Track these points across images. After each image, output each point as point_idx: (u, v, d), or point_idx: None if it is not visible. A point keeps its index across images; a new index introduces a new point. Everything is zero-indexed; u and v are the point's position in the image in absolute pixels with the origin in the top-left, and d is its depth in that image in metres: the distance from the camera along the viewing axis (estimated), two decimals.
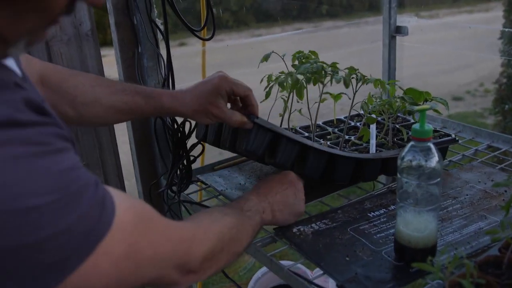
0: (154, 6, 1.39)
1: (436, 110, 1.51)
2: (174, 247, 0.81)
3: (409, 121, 1.67)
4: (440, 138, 1.55)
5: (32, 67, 1.07)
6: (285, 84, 1.33)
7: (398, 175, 1.05)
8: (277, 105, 1.46)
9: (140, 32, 1.39)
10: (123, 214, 0.69)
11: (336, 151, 1.33)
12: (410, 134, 1.03)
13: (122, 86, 1.22)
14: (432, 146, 1.02)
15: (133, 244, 0.71)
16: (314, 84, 1.36)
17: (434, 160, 1.01)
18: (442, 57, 5.33)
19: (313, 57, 1.41)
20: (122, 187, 1.57)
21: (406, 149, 1.04)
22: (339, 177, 1.33)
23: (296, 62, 1.43)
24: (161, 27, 1.39)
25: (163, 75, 1.34)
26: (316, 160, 1.29)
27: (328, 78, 1.34)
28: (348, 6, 7.97)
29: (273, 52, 1.41)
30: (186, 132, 1.32)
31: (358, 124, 1.65)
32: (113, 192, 0.71)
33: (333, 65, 1.37)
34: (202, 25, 1.45)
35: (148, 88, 1.23)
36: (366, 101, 1.47)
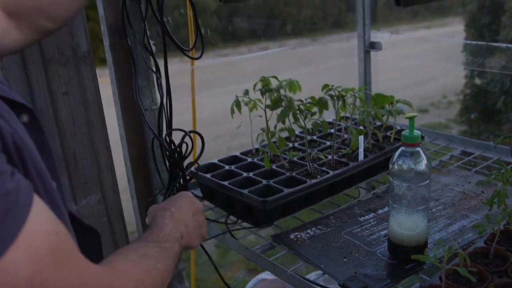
0: (147, 28, 1.45)
1: (398, 113, 1.65)
2: None
3: (379, 124, 1.79)
4: None
5: None
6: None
7: (390, 178, 1.14)
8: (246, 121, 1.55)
9: (134, 53, 1.44)
10: (38, 234, 0.63)
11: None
12: (401, 140, 1.12)
13: None
14: (421, 150, 1.11)
15: (40, 273, 0.63)
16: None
17: (423, 163, 1.10)
18: (407, 72, 5.52)
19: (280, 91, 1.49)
20: (118, 204, 1.61)
21: (396, 154, 1.13)
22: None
23: (260, 86, 1.52)
24: (154, 47, 1.45)
25: (160, 94, 1.39)
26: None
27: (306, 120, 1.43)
28: (311, 24, 8.15)
29: None
30: (184, 153, 1.36)
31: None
32: (39, 206, 0.65)
33: (308, 107, 1.45)
34: (190, 46, 1.51)
35: None
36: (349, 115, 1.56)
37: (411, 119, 1.10)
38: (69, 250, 0.70)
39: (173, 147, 1.36)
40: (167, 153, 1.38)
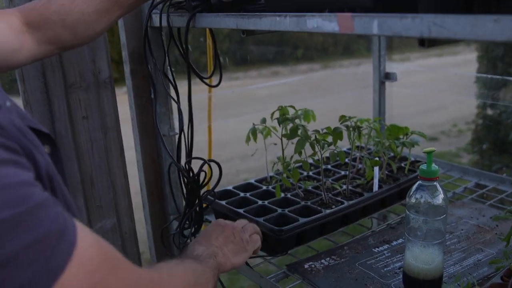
0: (167, 56, 1.47)
1: (412, 145, 1.66)
2: None
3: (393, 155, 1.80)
4: None
5: (12, 20, 1.10)
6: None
7: (407, 211, 1.14)
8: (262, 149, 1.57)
9: (154, 79, 1.47)
10: (86, 248, 0.62)
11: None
12: (418, 174, 1.13)
13: None
14: (438, 185, 1.12)
15: (99, 283, 0.63)
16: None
17: (440, 198, 1.11)
18: (417, 98, 5.53)
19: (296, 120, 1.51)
20: (133, 229, 1.62)
21: (414, 187, 1.13)
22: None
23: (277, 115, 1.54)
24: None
25: (180, 121, 1.41)
26: None
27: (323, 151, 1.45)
28: (322, 49, 8.20)
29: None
30: (202, 181, 1.38)
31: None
32: (77, 223, 0.64)
33: (323, 136, 1.47)
34: (209, 74, 1.54)
35: None
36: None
37: (429, 153, 1.11)
38: (116, 254, 0.71)
39: (191, 174, 1.37)
40: (185, 180, 1.40)
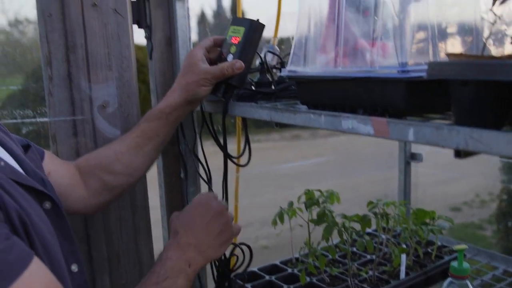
0: (200, 139, 1.50)
1: (440, 231, 1.64)
2: None
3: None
4: None
5: (69, 165, 1.27)
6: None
7: None
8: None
9: (185, 159, 1.50)
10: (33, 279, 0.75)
11: None
12: (449, 271, 1.12)
13: (130, 130, 1.34)
14: (469, 283, 1.10)
15: None
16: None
17: None
18: (439, 168, 5.50)
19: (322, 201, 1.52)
20: None
21: (444, 285, 1.12)
22: None
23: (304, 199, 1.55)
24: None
25: None
26: None
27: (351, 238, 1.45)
28: None
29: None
30: (232, 266, 1.38)
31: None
32: (36, 260, 0.78)
33: (349, 219, 1.47)
34: (239, 153, 1.56)
35: (146, 114, 1.33)
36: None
37: (461, 251, 1.10)
38: None
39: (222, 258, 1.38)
40: (216, 263, 1.40)
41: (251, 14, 1.74)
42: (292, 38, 1.18)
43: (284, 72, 1.17)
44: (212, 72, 1.23)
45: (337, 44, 1.10)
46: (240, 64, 1.24)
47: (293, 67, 1.16)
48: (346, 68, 1.05)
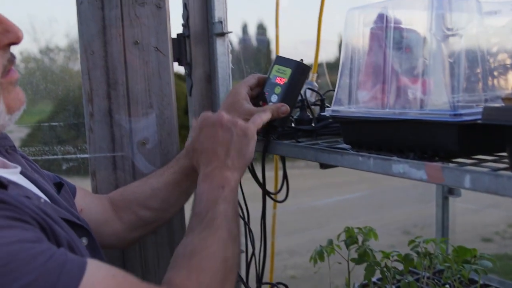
0: None
1: (484, 272, 1.59)
2: None
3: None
4: None
5: (102, 198, 1.29)
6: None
7: None
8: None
9: None
10: (97, 279, 0.76)
11: None
12: None
13: (166, 165, 1.32)
14: None
15: None
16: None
17: None
18: (468, 195, 5.39)
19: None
20: None
21: None
22: None
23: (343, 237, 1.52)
24: None
25: (251, 244, 1.39)
26: None
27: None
28: None
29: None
30: None
31: None
32: (91, 260, 0.78)
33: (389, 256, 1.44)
34: (277, 189, 1.55)
35: (184, 149, 1.31)
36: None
37: None
38: (131, 284, 0.83)
39: None
40: None
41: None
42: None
43: (328, 112, 1.15)
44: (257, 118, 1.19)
45: (384, 82, 1.08)
46: (285, 108, 1.21)
47: (336, 107, 1.15)
48: (394, 109, 1.03)
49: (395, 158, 0.95)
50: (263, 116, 1.18)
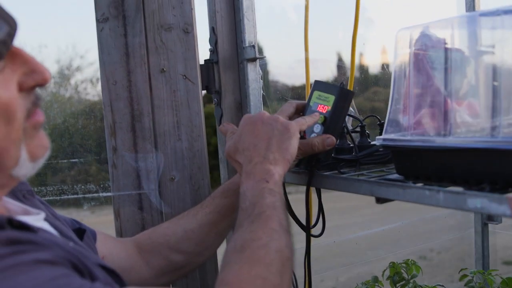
0: None
1: None
2: None
3: None
4: None
5: (127, 242, 1.18)
6: None
7: None
8: None
9: None
10: None
11: None
12: None
13: (200, 204, 1.21)
14: None
15: None
16: None
17: None
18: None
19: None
20: None
21: None
22: None
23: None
24: None
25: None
26: None
27: None
28: None
29: None
30: None
31: None
32: None
33: None
34: (312, 224, 1.44)
35: (220, 187, 1.21)
36: None
37: None
38: None
39: None
40: None
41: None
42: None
43: (379, 141, 1.05)
44: (302, 148, 1.09)
45: (438, 106, 0.99)
46: (331, 140, 1.11)
47: (388, 135, 1.05)
48: (459, 137, 0.93)
49: (469, 192, 0.84)
50: (308, 119, 1.11)
